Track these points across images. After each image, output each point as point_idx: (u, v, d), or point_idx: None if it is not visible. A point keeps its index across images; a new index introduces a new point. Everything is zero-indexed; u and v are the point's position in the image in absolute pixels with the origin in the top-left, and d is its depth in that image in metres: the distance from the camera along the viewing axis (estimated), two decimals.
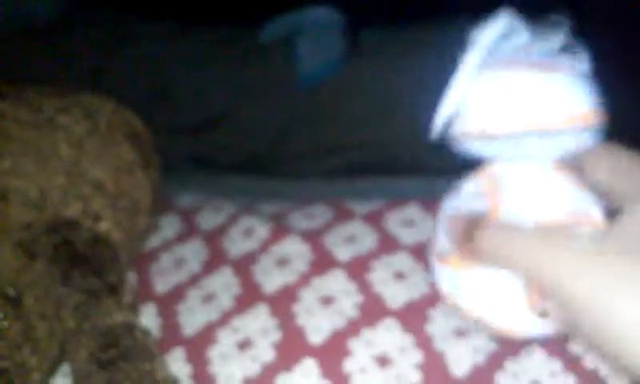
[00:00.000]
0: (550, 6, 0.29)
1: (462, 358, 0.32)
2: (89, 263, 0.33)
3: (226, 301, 0.38)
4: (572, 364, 0.31)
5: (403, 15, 0.59)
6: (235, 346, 0.35)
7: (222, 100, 0.61)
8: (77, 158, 0.37)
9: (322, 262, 0.39)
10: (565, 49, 0.29)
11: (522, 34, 0.29)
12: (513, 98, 0.27)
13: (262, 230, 0.42)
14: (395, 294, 0.36)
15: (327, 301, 0.36)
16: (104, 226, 0.37)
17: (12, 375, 0.29)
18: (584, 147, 0.28)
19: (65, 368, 0.34)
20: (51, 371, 0.33)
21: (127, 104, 0.44)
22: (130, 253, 0.40)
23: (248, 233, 0.42)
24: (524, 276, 0.27)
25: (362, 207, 0.43)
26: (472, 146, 0.29)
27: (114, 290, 0.33)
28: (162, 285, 0.40)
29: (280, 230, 0.42)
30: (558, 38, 0.29)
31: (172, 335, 0.37)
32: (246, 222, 0.43)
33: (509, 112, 0.27)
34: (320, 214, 0.43)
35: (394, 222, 0.41)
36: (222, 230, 0.43)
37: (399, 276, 0.37)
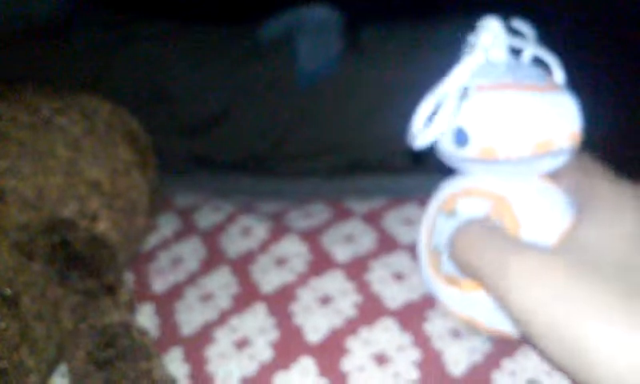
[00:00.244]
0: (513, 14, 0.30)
1: (459, 356, 0.32)
2: (86, 263, 0.33)
3: (224, 300, 0.38)
4: None
5: (401, 13, 0.59)
6: (233, 345, 0.35)
7: (222, 100, 0.62)
8: (74, 158, 0.37)
9: (321, 262, 0.39)
10: (535, 60, 0.29)
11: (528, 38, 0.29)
12: (521, 120, 0.27)
13: (261, 230, 0.42)
14: (393, 294, 0.36)
15: (325, 300, 0.36)
16: (101, 227, 0.37)
17: (10, 376, 0.29)
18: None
19: (63, 368, 0.34)
20: (49, 372, 0.33)
21: (127, 104, 0.44)
22: (127, 253, 0.40)
23: (246, 232, 0.42)
24: (482, 282, 0.28)
25: (361, 206, 0.43)
26: (473, 169, 0.30)
27: (111, 289, 0.33)
28: (159, 284, 0.40)
29: (278, 229, 0.42)
30: (529, 49, 0.29)
31: (170, 334, 0.37)
32: (245, 221, 0.43)
33: (519, 135, 0.27)
34: (319, 213, 0.43)
35: (393, 220, 0.41)
36: (220, 229, 0.43)
37: (398, 276, 0.37)
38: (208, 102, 0.62)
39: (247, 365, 0.33)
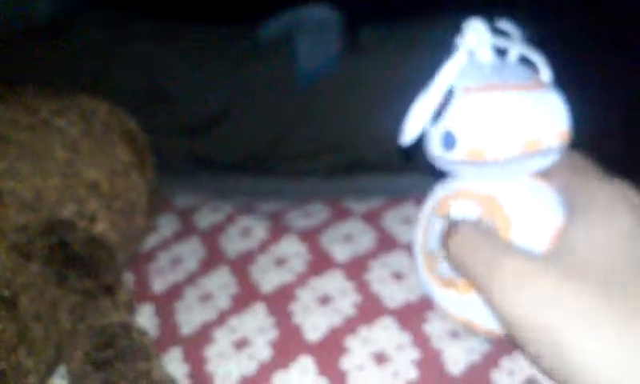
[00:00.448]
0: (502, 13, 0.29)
1: (458, 356, 0.31)
2: (84, 264, 0.33)
3: (223, 300, 0.38)
4: None
5: (401, 12, 0.59)
6: (232, 345, 0.35)
7: (222, 99, 0.61)
8: (72, 159, 0.37)
9: (320, 262, 0.39)
10: (522, 59, 0.29)
11: (514, 39, 0.29)
12: (508, 120, 0.27)
13: (260, 230, 0.42)
14: (393, 294, 0.36)
15: (324, 300, 0.36)
16: (99, 227, 0.37)
17: (8, 377, 0.29)
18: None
19: (62, 370, 0.34)
20: (48, 373, 0.33)
21: (126, 104, 0.44)
22: (126, 253, 0.40)
23: (246, 232, 0.42)
24: (473, 283, 0.28)
25: (360, 205, 0.43)
26: (463, 171, 0.29)
27: (109, 290, 0.33)
28: (159, 284, 0.40)
29: (278, 229, 0.42)
30: (514, 48, 0.29)
31: (169, 335, 0.37)
32: (244, 221, 0.43)
33: (506, 136, 0.27)
34: (318, 212, 0.43)
35: (392, 220, 0.41)
36: (219, 230, 0.43)
37: (397, 276, 0.37)
38: (208, 102, 0.62)
39: (246, 364, 0.33)
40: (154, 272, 0.41)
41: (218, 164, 0.58)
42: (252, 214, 0.44)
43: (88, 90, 0.43)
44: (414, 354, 0.32)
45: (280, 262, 0.39)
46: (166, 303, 0.39)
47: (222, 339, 0.35)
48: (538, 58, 0.29)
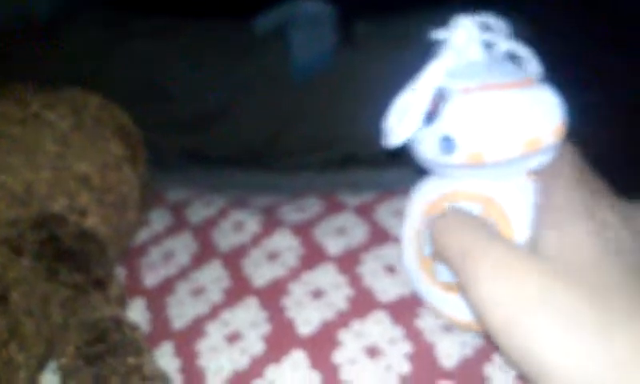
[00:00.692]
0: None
1: (451, 350, 0.31)
2: (75, 258, 0.33)
3: (215, 294, 0.38)
4: None
5: (395, 6, 0.59)
6: (224, 339, 0.35)
7: (218, 95, 0.61)
8: (63, 152, 0.37)
9: (312, 255, 0.39)
10: (510, 55, 0.29)
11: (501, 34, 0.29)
12: (508, 121, 0.26)
13: (253, 224, 0.42)
14: (385, 287, 0.36)
15: (317, 294, 0.36)
16: (90, 221, 0.37)
17: None
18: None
19: (54, 365, 0.34)
20: (39, 367, 0.33)
21: (124, 100, 0.44)
22: (118, 248, 0.40)
23: (238, 226, 0.42)
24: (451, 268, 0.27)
25: (353, 199, 0.43)
26: (459, 173, 0.29)
27: (100, 284, 0.33)
28: (151, 278, 0.40)
29: (270, 223, 0.42)
30: (503, 43, 0.29)
31: (161, 329, 0.36)
32: (237, 215, 0.43)
33: (507, 137, 0.26)
34: (311, 206, 0.43)
35: (384, 213, 0.41)
36: (212, 224, 0.43)
37: (389, 269, 0.37)
38: (204, 99, 0.62)
39: (238, 358, 0.33)
40: (146, 266, 0.41)
41: (215, 159, 0.58)
42: (245, 208, 0.44)
43: (86, 87, 0.43)
44: (406, 347, 0.32)
45: (272, 256, 0.39)
46: (158, 297, 0.39)
47: (214, 333, 0.35)
48: (525, 52, 0.28)
